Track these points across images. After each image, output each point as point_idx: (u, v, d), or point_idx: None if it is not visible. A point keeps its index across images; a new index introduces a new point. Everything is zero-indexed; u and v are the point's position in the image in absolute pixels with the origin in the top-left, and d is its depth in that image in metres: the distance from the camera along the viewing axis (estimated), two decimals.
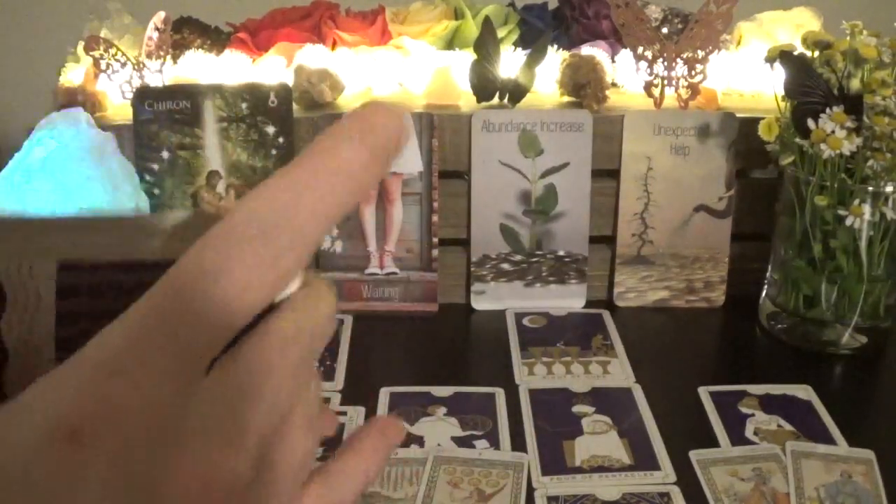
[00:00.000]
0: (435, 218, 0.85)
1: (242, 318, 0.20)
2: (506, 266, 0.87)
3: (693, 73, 0.85)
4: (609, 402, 0.72)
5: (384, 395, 0.72)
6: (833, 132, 0.71)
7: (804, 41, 0.79)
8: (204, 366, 0.19)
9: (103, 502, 0.18)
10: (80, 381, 0.18)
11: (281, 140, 0.81)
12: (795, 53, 0.77)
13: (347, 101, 0.87)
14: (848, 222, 0.73)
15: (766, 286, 0.84)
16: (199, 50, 0.92)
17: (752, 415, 0.70)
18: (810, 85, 0.74)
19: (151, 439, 0.18)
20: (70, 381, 0.18)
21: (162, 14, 0.86)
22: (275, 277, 0.20)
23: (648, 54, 0.85)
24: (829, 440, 0.67)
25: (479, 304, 0.87)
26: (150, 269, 0.22)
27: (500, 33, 0.92)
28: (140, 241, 0.24)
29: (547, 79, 0.88)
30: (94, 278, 0.25)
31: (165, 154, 0.80)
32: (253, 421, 0.20)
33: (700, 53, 0.85)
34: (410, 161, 0.83)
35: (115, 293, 0.24)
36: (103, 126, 0.77)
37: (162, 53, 0.86)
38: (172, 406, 0.19)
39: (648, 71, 0.86)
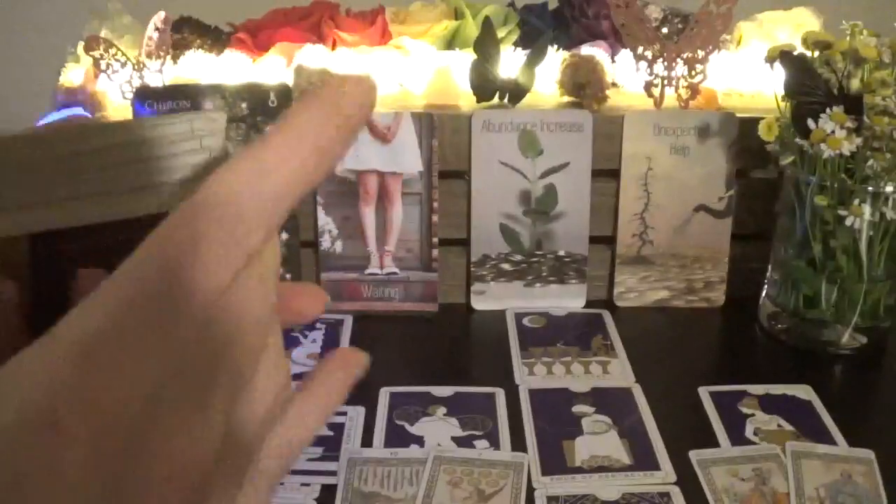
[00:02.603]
0: (435, 218, 0.85)
1: (214, 294, 0.20)
2: (506, 266, 0.87)
3: (693, 73, 0.85)
4: (609, 402, 0.72)
5: (384, 395, 0.72)
6: (833, 132, 0.72)
7: (804, 41, 0.79)
8: (180, 343, 0.19)
9: (79, 489, 0.18)
10: (55, 366, 0.18)
11: None
12: (795, 53, 0.77)
13: None
14: (848, 222, 0.73)
15: (766, 286, 0.84)
16: (199, 50, 0.92)
17: (752, 415, 0.70)
18: (810, 85, 0.74)
19: (128, 427, 0.18)
20: (45, 365, 0.18)
21: (162, 14, 0.86)
22: (243, 255, 0.20)
23: (648, 54, 0.85)
24: (829, 440, 0.67)
25: (479, 304, 0.87)
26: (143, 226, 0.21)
27: (500, 33, 0.92)
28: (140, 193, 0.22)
29: (547, 79, 0.88)
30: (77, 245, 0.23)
31: None
32: (222, 390, 0.20)
33: (700, 53, 0.85)
34: (410, 161, 0.83)
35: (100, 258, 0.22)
36: None
37: (162, 53, 0.86)
38: (149, 394, 0.19)
39: (648, 71, 0.86)
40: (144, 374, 0.19)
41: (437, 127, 0.83)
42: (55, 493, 0.18)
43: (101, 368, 0.18)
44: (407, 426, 0.68)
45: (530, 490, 0.61)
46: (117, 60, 0.86)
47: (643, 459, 0.64)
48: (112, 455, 0.18)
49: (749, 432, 0.68)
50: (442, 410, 0.70)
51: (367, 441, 0.66)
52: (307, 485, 0.61)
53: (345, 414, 0.69)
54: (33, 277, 0.22)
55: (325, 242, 0.85)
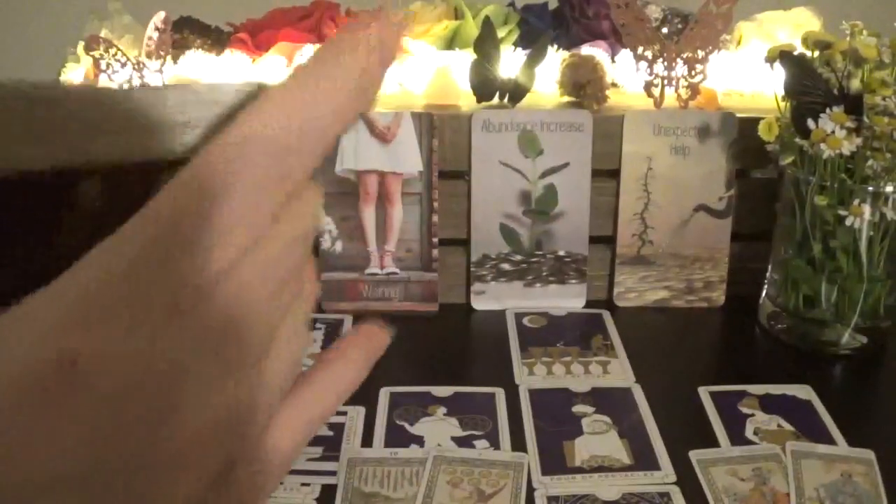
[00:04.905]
0: (435, 218, 0.85)
1: (239, 245, 0.18)
2: (506, 266, 0.87)
3: (693, 73, 0.85)
4: (609, 402, 0.72)
5: (384, 394, 0.72)
6: (833, 132, 0.72)
7: (804, 41, 0.79)
8: (187, 307, 0.18)
9: (89, 441, 0.16)
10: (41, 330, 0.16)
11: None
12: (795, 53, 0.77)
13: None
14: (848, 222, 0.73)
15: (766, 286, 0.84)
16: (199, 50, 0.92)
17: (752, 415, 0.70)
18: (810, 85, 0.74)
19: (152, 387, 0.17)
20: (31, 327, 0.16)
21: (162, 14, 0.86)
22: (282, 195, 0.19)
23: (648, 54, 0.85)
24: (829, 440, 0.67)
25: (479, 304, 0.87)
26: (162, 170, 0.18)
27: (500, 33, 0.92)
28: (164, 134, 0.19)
29: (547, 79, 0.88)
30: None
31: None
32: (245, 348, 0.19)
33: (700, 53, 0.85)
34: (410, 161, 0.83)
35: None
36: None
37: (162, 53, 0.86)
38: (156, 355, 0.17)
39: (648, 71, 0.86)
40: (170, 331, 0.17)
41: (437, 127, 0.83)
42: (64, 436, 0.16)
43: (85, 334, 0.16)
44: (407, 426, 0.68)
45: (530, 490, 0.61)
46: (117, 60, 0.86)
47: (643, 459, 0.64)
48: (132, 417, 0.17)
49: (749, 432, 0.68)
50: (442, 410, 0.70)
51: (367, 441, 0.66)
52: (307, 485, 0.61)
53: (345, 414, 0.69)
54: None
55: (326, 242, 0.85)
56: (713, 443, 0.67)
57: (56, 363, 0.16)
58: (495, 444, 0.66)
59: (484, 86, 0.86)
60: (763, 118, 0.79)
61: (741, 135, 0.84)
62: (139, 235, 0.17)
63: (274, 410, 0.21)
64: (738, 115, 0.85)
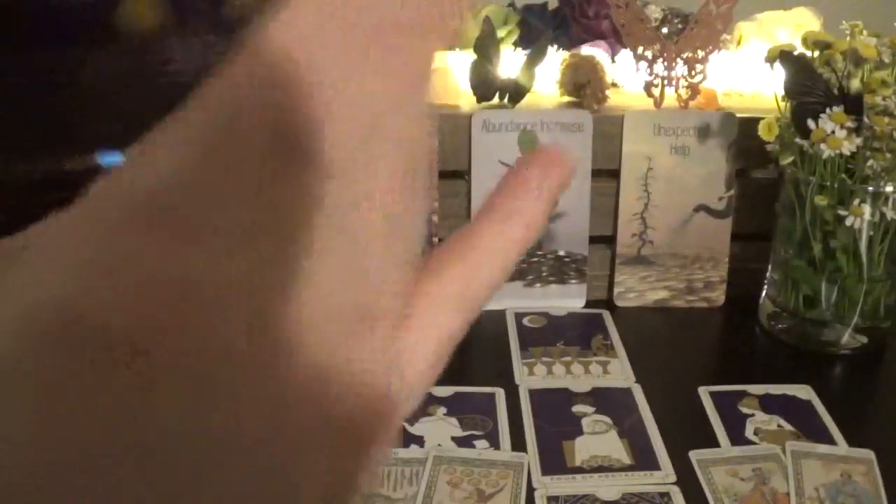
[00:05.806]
0: (435, 218, 0.85)
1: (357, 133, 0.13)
2: None
3: (693, 73, 0.85)
4: (609, 402, 0.72)
5: None
6: (833, 132, 0.72)
7: (804, 41, 0.79)
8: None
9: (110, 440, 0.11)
10: (103, 257, 0.11)
11: None
12: (795, 53, 0.77)
13: None
14: (848, 222, 0.73)
15: (766, 286, 0.84)
16: None
17: (752, 415, 0.70)
18: (810, 85, 0.74)
19: (214, 350, 0.12)
20: (83, 253, 0.11)
21: None
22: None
23: (648, 54, 0.85)
24: (829, 440, 0.67)
25: None
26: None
27: (500, 33, 0.92)
28: None
29: (547, 79, 0.88)
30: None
31: None
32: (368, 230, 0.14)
33: (700, 53, 0.85)
34: None
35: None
36: None
37: None
38: (246, 287, 0.12)
39: (648, 71, 0.85)
40: (245, 250, 0.12)
41: (437, 127, 0.83)
42: (81, 433, 0.11)
43: (166, 247, 0.11)
44: (407, 426, 0.68)
45: (530, 490, 0.61)
46: None
47: (643, 459, 0.64)
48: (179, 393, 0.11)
49: (749, 432, 0.68)
50: (442, 410, 0.70)
51: None
52: None
53: None
54: None
55: None
56: (713, 443, 0.67)
57: (60, 321, 0.11)
58: (495, 444, 0.66)
59: (484, 86, 0.85)
60: (763, 118, 0.79)
61: (741, 135, 0.84)
62: (200, 124, 0.12)
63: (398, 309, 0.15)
64: (738, 115, 0.85)
